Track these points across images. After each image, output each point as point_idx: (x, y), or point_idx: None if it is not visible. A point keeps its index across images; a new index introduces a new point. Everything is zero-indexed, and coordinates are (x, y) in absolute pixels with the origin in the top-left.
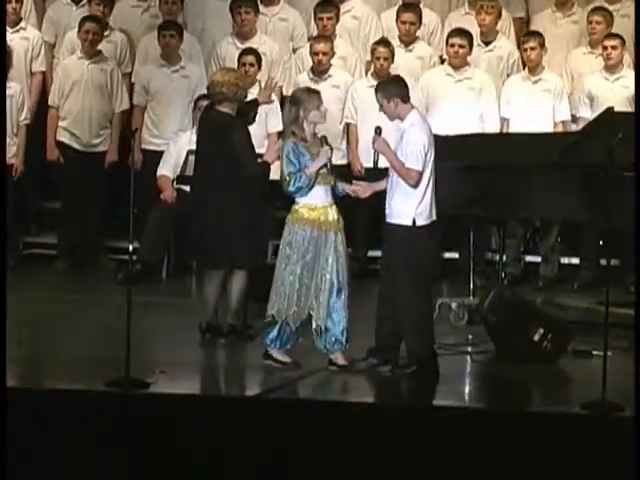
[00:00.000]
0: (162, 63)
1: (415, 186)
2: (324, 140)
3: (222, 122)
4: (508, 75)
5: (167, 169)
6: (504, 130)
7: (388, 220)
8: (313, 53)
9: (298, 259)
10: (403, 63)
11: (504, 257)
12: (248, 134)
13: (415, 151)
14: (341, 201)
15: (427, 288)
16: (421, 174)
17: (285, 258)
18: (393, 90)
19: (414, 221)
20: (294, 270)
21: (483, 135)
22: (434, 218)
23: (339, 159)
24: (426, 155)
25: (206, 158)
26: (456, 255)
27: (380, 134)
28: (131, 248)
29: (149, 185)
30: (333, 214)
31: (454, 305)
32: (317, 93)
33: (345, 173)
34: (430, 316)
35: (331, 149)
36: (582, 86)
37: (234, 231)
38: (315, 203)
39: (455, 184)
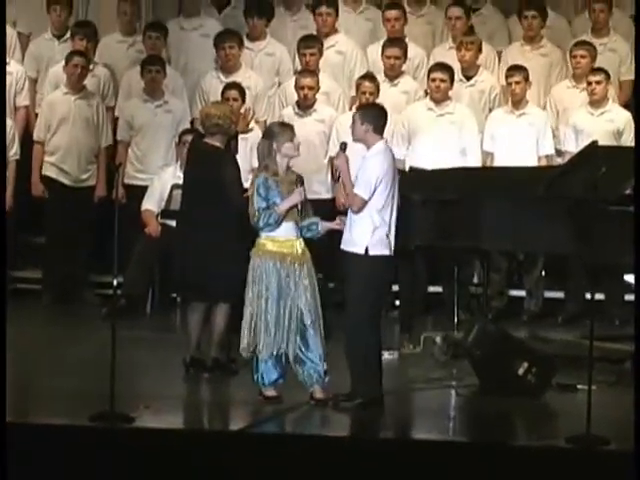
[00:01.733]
0: (146, 98)
1: (356, 212)
2: (299, 180)
3: (213, 155)
4: (490, 109)
5: (151, 203)
6: (488, 164)
7: (343, 247)
8: (299, 87)
9: (263, 292)
10: (388, 97)
11: (488, 291)
12: (238, 168)
13: (366, 180)
14: (317, 241)
15: (376, 321)
16: (366, 202)
17: (251, 292)
18: (371, 116)
19: (367, 250)
20: (260, 304)
21: (464, 169)
22: (390, 251)
23: (323, 193)
24: (377, 186)
25: (194, 191)
26: (440, 289)
27: (344, 150)
28: (115, 282)
29: (134, 220)
30: (298, 247)
31: (438, 339)
32: (289, 126)
33: (329, 207)
34: (377, 350)
35: (303, 187)
36: (567, 120)
37: (217, 264)
38: (280, 236)
39: (434, 217)
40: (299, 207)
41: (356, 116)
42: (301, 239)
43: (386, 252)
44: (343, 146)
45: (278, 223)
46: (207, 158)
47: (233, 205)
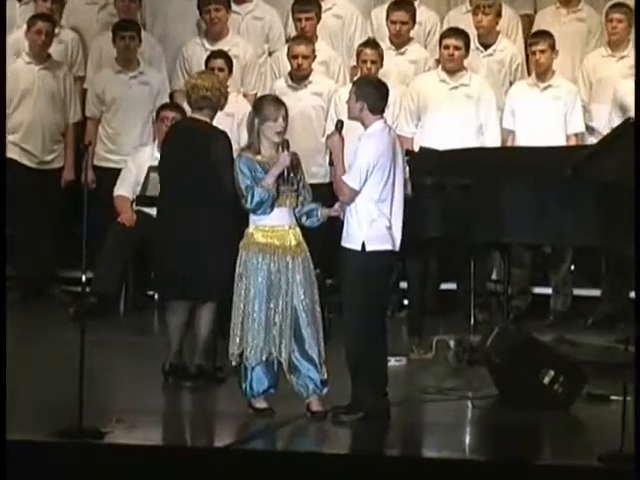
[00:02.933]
0: (119, 68)
1: (347, 203)
2: (284, 145)
3: (201, 131)
4: (511, 82)
5: (125, 189)
6: (508, 144)
7: (342, 243)
8: (292, 56)
9: (254, 290)
10: (394, 67)
11: (509, 288)
12: (231, 147)
13: (357, 167)
14: (318, 229)
15: (380, 323)
16: (356, 193)
17: (239, 289)
18: (367, 92)
19: (363, 245)
20: (249, 303)
21: (481, 149)
22: (393, 246)
23: (320, 177)
24: (369, 175)
25: (178, 173)
26: (454, 286)
27: (341, 130)
28: (84, 278)
29: (105, 207)
30: (293, 238)
31: (452, 343)
32: (277, 103)
33: (327, 193)
34: (381, 356)
35: (290, 152)
36: (615, 94)
37: (203, 257)
38: (272, 225)
39: (447, 205)
40: (294, 188)
41: (351, 90)
42: (297, 228)
43: (387, 246)
44: (339, 124)
45: (271, 201)
46: (194, 135)
47: (225, 190)
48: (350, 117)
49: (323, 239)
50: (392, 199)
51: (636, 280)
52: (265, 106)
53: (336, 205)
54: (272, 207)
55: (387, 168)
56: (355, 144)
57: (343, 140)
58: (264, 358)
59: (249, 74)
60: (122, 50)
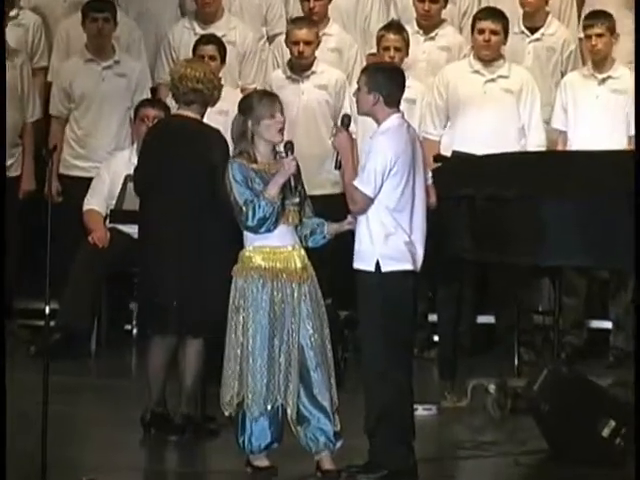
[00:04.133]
0: (89, 57)
1: (358, 212)
2: (289, 147)
3: (192, 132)
4: (562, 73)
5: (97, 202)
6: (559, 147)
7: (354, 265)
8: (291, 42)
9: (254, 324)
10: (423, 55)
11: (561, 322)
12: (228, 150)
13: (370, 169)
14: (326, 248)
15: (403, 363)
16: (370, 200)
17: (235, 324)
18: (381, 82)
19: (378, 265)
20: (249, 340)
21: (525, 154)
22: (414, 265)
23: (328, 188)
24: (386, 178)
25: (162, 183)
26: (493, 319)
27: (348, 126)
28: (48, 310)
29: (73, 224)
30: (298, 260)
31: (492, 388)
32: (271, 97)
33: (338, 206)
34: (406, 403)
35: (294, 156)
36: None
37: (192, 284)
38: (273, 246)
39: (484, 221)
40: (298, 200)
41: (361, 79)
42: (302, 249)
43: (407, 266)
44: (346, 120)
45: (275, 217)
46: (182, 136)
47: (221, 202)
48: (361, 112)
49: (333, 261)
50: (412, 209)
51: (635, 288)
52: (255, 103)
53: (349, 218)
54: (276, 224)
55: (406, 171)
56: (367, 143)
57: (352, 138)
58: (268, 407)
59: (248, 64)
60: (94, 35)
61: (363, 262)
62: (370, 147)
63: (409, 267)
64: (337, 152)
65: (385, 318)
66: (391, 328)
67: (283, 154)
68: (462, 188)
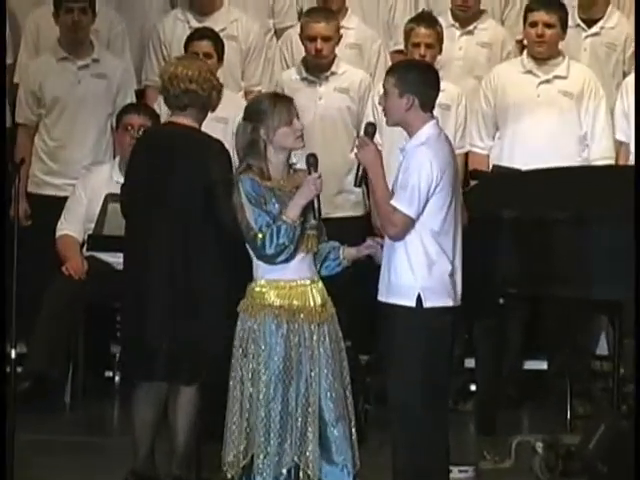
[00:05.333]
0: (63, 54)
1: (396, 238)
2: (312, 162)
3: (189, 142)
4: (625, 73)
5: (73, 226)
6: (621, 161)
7: (382, 299)
8: (308, 38)
9: (267, 372)
10: (458, 53)
11: (621, 368)
12: (231, 164)
13: (412, 186)
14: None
15: (438, 417)
16: (412, 222)
17: (241, 370)
18: (415, 83)
19: (419, 299)
20: (261, 390)
21: (584, 169)
22: (455, 301)
23: (348, 209)
24: (430, 196)
25: (152, 204)
26: (543, 365)
27: (373, 136)
28: (14, 354)
29: (44, 251)
30: (318, 296)
31: (540, 446)
32: (287, 101)
33: (360, 229)
34: (441, 462)
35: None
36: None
37: (186, 321)
38: (289, 279)
39: (532, 248)
40: (311, 225)
41: (389, 82)
42: (320, 282)
43: (449, 302)
44: (370, 129)
45: (295, 244)
46: (177, 147)
47: (224, 225)
48: (391, 121)
49: (351, 295)
50: (454, 233)
51: (636, 290)
52: (269, 109)
53: (368, 241)
54: (295, 252)
55: (451, 187)
56: (396, 156)
57: (379, 150)
58: (284, 470)
59: (253, 63)
60: (68, 28)
61: (400, 296)
62: (408, 161)
63: (451, 303)
64: (358, 167)
65: (424, 363)
66: (429, 375)
67: (297, 165)
68: (504, 209)
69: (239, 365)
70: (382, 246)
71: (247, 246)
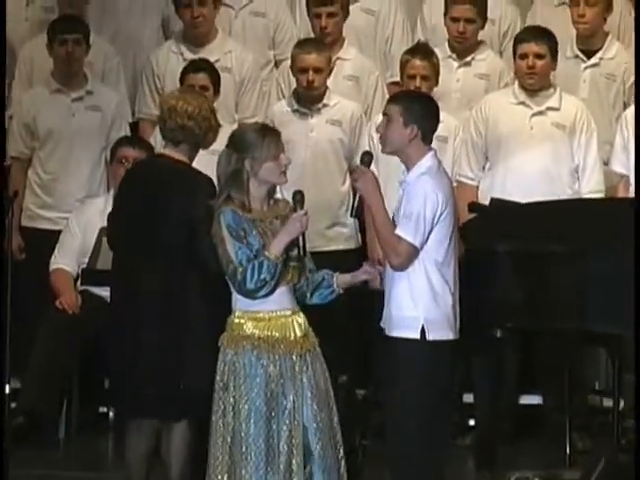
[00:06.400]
0: (57, 87)
1: (399, 268)
2: (298, 199)
3: (177, 178)
4: (625, 104)
5: (67, 260)
6: (620, 194)
7: (386, 332)
8: (299, 69)
9: (247, 405)
10: (456, 85)
11: (621, 402)
12: None
13: (417, 215)
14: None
15: (437, 452)
16: (416, 252)
17: (222, 405)
18: (420, 114)
19: (423, 332)
20: (241, 424)
21: (578, 202)
22: (455, 333)
23: (341, 242)
24: (435, 225)
25: (139, 238)
26: (539, 399)
27: (369, 165)
28: (8, 390)
29: (38, 285)
30: (297, 327)
31: None
32: (273, 133)
33: (353, 262)
34: None
35: (305, 211)
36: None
37: (174, 357)
38: (269, 310)
39: (529, 281)
40: (295, 255)
41: (393, 109)
42: (301, 313)
43: (450, 335)
44: (367, 158)
45: (277, 279)
46: (165, 182)
47: (206, 261)
48: (390, 149)
49: (347, 326)
50: (455, 264)
51: (635, 291)
52: (257, 141)
53: (365, 266)
54: (276, 287)
55: (453, 219)
56: (394, 187)
57: (376, 179)
58: None
59: (247, 94)
60: (62, 60)
61: (402, 329)
62: (410, 191)
63: (452, 336)
64: (354, 197)
65: (425, 397)
66: (430, 410)
67: (280, 198)
68: (501, 241)
69: (220, 398)
70: (381, 274)
71: (227, 279)
